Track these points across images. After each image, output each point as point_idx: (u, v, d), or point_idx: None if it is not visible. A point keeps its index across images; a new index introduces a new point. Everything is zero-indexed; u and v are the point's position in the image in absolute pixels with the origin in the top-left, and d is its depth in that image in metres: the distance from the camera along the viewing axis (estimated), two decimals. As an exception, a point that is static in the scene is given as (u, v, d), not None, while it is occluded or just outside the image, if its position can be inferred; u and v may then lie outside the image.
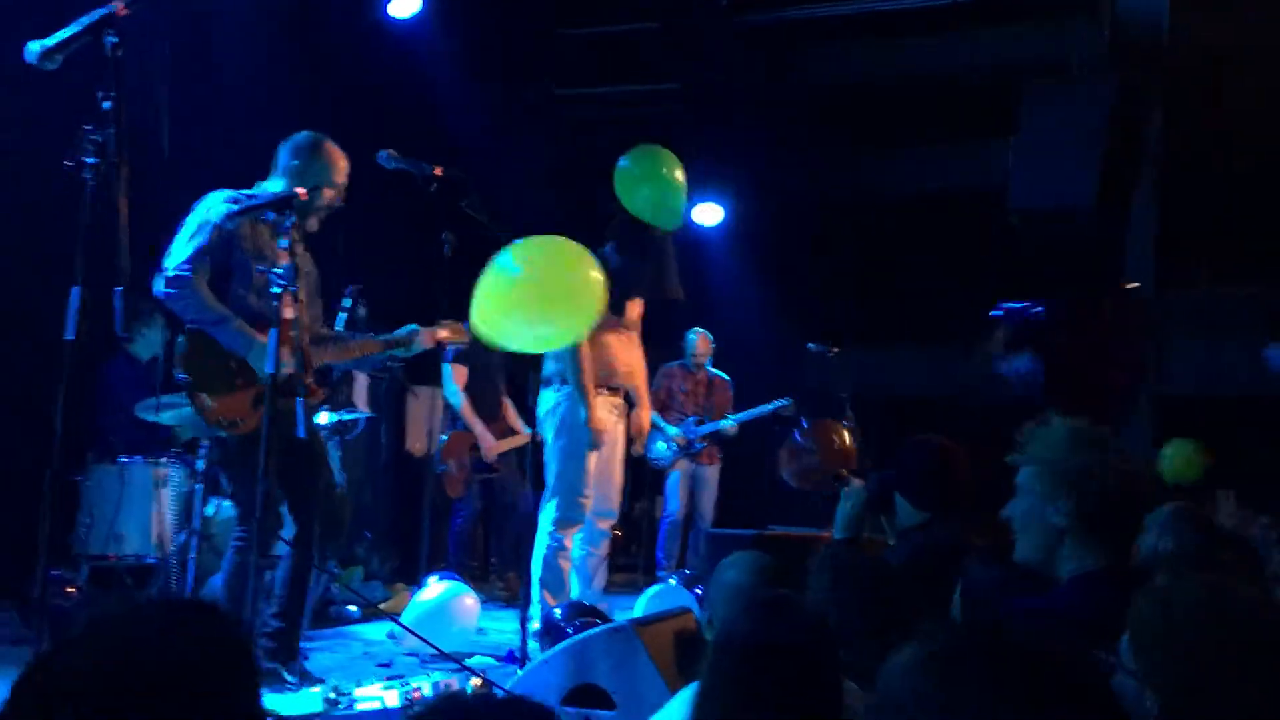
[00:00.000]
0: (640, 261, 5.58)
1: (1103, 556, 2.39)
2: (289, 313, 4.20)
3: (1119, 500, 2.40)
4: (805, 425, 7.53)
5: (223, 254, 4.10)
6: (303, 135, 4.33)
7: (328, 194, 4.30)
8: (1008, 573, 2.60)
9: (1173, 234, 8.96)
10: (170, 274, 4.04)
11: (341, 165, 4.33)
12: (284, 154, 4.31)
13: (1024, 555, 2.50)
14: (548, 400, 5.51)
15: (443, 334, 4.72)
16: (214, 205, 4.09)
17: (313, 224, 4.35)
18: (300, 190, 3.69)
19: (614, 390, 5.67)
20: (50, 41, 2.70)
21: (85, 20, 2.68)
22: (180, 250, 4.07)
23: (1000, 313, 7.69)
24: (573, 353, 5.44)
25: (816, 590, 2.56)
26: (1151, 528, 3.25)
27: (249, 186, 4.26)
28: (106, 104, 2.65)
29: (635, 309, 5.78)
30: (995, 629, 1.24)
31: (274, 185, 4.26)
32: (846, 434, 7.40)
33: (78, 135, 2.66)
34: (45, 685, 1.20)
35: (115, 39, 2.66)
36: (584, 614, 4.67)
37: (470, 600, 5.51)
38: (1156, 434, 8.84)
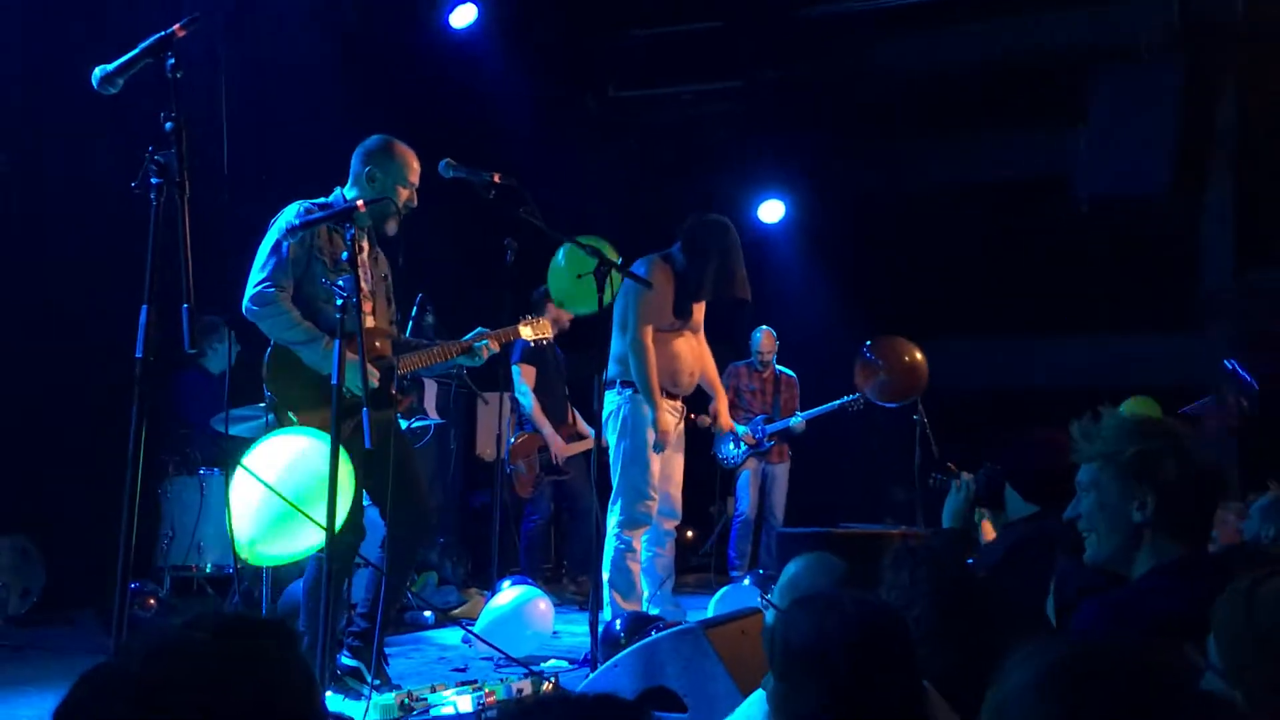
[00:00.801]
0: (704, 265, 5.57)
1: (1182, 546, 2.31)
2: (369, 322, 4.27)
3: (1195, 487, 2.31)
4: (870, 344, 7.46)
5: (304, 265, 4.15)
6: (373, 139, 4.37)
7: (403, 194, 4.32)
8: (1085, 568, 2.55)
9: (1252, 215, 8.73)
10: (253, 290, 4.09)
11: (414, 165, 4.36)
12: (356, 159, 4.35)
13: (1095, 556, 2.42)
14: (610, 403, 5.53)
15: (525, 331, 4.76)
16: (285, 219, 4.14)
17: (391, 227, 4.38)
18: (360, 203, 3.73)
19: (674, 395, 5.67)
20: (110, 66, 2.76)
21: (144, 44, 2.73)
22: (260, 267, 4.13)
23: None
24: (639, 357, 5.46)
25: (893, 586, 2.52)
26: (1254, 514, 3.19)
27: (324, 195, 4.30)
28: (168, 125, 2.69)
29: (700, 311, 5.78)
30: (1107, 648, 1.22)
31: (350, 191, 4.31)
32: (916, 351, 7.29)
33: (143, 158, 2.71)
34: (97, 692, 1.21)
35: (173, 60, 2.70)
36: (645, 624, 4.68)
37: (544, 604, 5.54)
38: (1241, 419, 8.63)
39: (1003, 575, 2.91)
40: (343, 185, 4.35)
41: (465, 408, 8.48)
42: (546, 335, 4.89)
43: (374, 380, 4.15)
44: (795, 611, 2.09)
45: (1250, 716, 1.64)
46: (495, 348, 4.63)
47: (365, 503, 4.46)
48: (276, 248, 4.11)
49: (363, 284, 4.28)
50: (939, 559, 2.64)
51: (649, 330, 5.51)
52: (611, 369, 5.53)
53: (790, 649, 1.99)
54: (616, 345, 5.55)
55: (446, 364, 4.62)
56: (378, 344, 4.29)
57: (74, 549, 5.68)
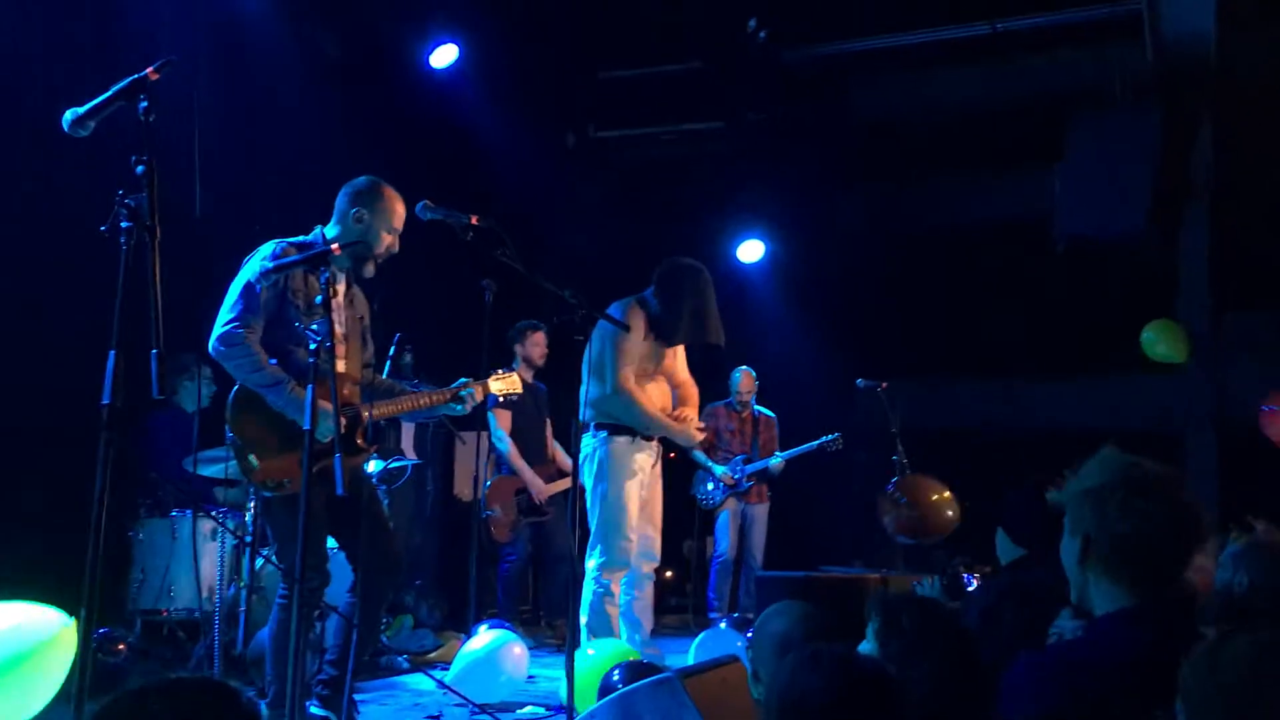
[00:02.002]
0: (678, 309, 5.57)
1: (1130, 594, 2.19)
2: (341, 366, 4.21)
3: (1143, 531, 2.17)
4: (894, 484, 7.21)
5: (275, 307, 4.09)
6: (362, 180, 4.32)
7: (386, 239, 4.28)
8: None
9: (1228, 258, 8.78)
10: (220, 330, 4.03)
11: (400, 211, 4.31)
12: (343, 198, 4.30)
13: (1072, 597, 2.35)
14: (586, 446, 5.50)
15: (495, 386, 4.70)
16: (259, 258, 4.10)
17: (369, 270, 4.33)
18: (335, 246, 3.69)
19: (649, 437, 5.65)
20: (82, 109, 2.73)
21: (117, 87, 2.71)
22: (229, 306, 4.07)
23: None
24: (629, 400, 5.46)
25: (877, 638, 2.47)
26: (1225, 562, 3.14)
27: (303, 234, 4.26)
28: (140, 168, 2.66)
29: (674, 356, 5.76)
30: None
31: (331, 230, 4.27)
32: (944, 491, 6.98)
33: (113, 200, 2.68)
34: None
35: (146, 103, 2.68)
36: (644, 673, 4.60)
37: (519, 649, 5.47)
38: (1221, 461, 8.65)
39: (988, 627, 2.87)
40: (324, 224, 4.31)
41: (443, 448, 8.42)
42: (516, 391, 4.82)
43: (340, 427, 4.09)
44: (771, 664, 2.06)
45: None
46: (479, 397, 4.59)
47: (332, 547, 4.40)
48: (248, 288, 4.05)
49: (336, 327, 4.24)
50: (941, 614, 2.60)
51: (630, 373, 5.50)
52: (585, 412, 5.51)
53: (773, 704, 1.96)
54: (592, 390, 5.53)
55: (429, 412, 4.56)
56: (345, 391, 4.22)
57: (43, 595, 5.57)
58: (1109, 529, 2.19)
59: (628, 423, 5.56)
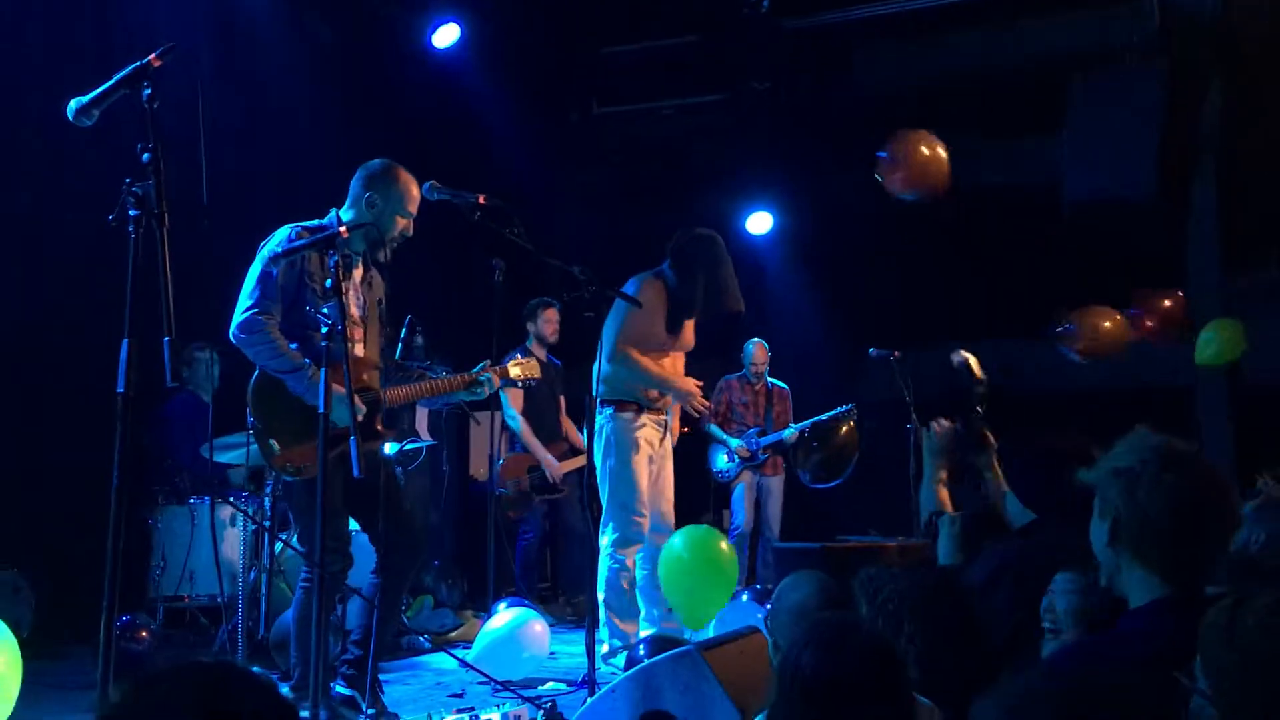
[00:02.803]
0: (694, 280, 5.54)
1: (1166, 583, 2.13)
2: (359, 350, 4.22)
3: (1176, 516, 2.10)
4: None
5: (293, 291, 4.08)
6: (376, 163, 4.32)
7: (400, 223, 4.28)
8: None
9: (1236, 217, 8.74)
10: (240, 317, 4.04)
11: (415, 194, 4.30)
12: (357, 182, 4.30)
13: (1103, 581, 2.28)
14: (596, 423, 5.50)
15: (514, 371, 4.70)
16: (274, 243, 4.10)
17: (385, 254, 4.34)
18: (342, 229, 3.69)
19: (659, 410, 5.64)
20: (86, 98, 2.73)
21: (120, 75, 2.70)
22: (248, 293, 4.08)
23: None
24: (628, 365, 5.44)
25: (872, 612, 2.48)
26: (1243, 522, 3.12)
27: (319, 218, 4.25)
28: (145, 156, 2.66)
29: (690, 330, 5.74)
30: (1073, 687, 1.16)
31: (346, 214, 4.26)
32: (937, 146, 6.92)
33: (120, 189, 2.68)
34: None
35: (150, 90, 2.67)
36: (667, 646, 4.62)
37: (539, 626, 5.50)
38: (1235, 425, 8.63)
39: (988, 597, 2.85)
40: (339, 207, 4.32)
41: (458, 429, 8.45)
42: (535, 376, 4.81)
43: (360, 412, 4.10)
44: (789, 635, 2.06)
45: None
46: (497, 383, 4.59)
47: (354, 529, 4.43)
48: (265, 274, 4.06)
49: (353, 310, 4.25)
50: (916, 574, 2.60)
51: (628, 341, 5.46)
52: (597, 389, 5.51)
53: (784, 677, 1.96)
54: (603, 366, 5.53)
55: (447, 397, 4.57)
56: (364, 376, 4.23)
57: (64, 583, 5.63)
58: (1139, 509, 2.13)
59: (631, 394, 5.52)
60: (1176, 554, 2.12)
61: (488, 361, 4.59)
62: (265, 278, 4.06)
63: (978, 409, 3.79)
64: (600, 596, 5.43)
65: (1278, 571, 2.76)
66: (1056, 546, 2.92)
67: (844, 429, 7.92)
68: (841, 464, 7.71)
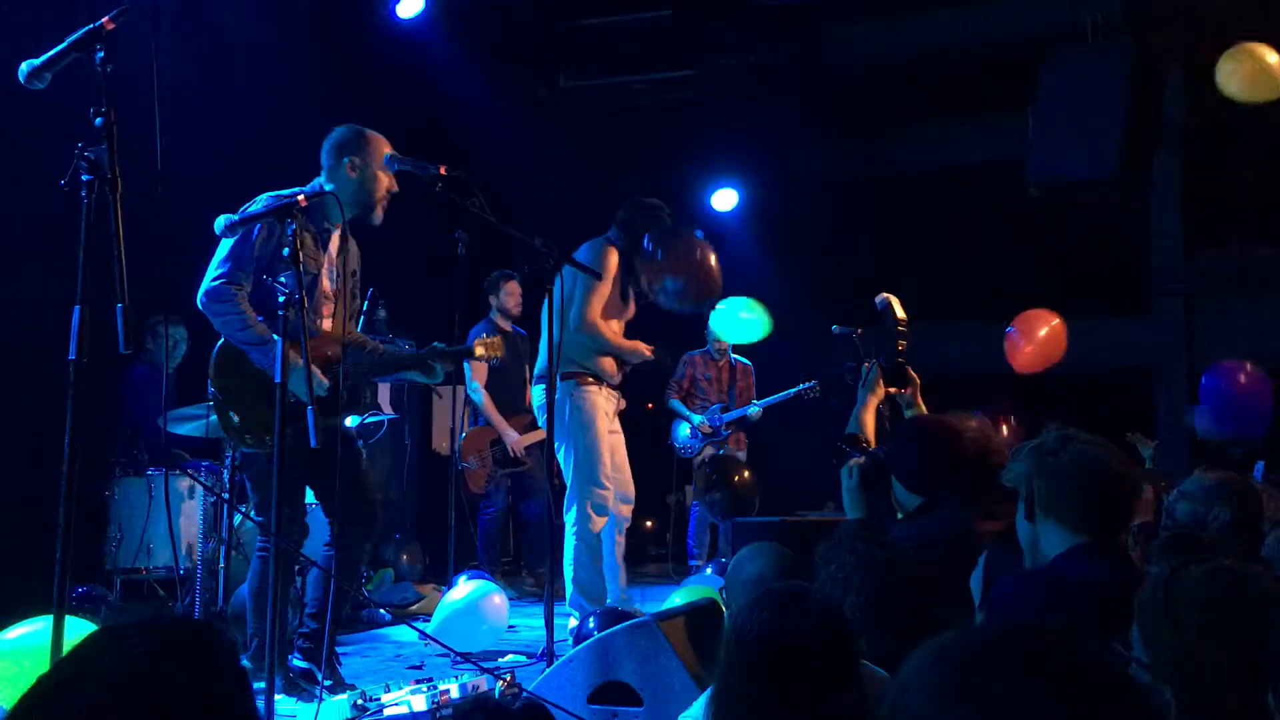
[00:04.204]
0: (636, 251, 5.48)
1: (1081, 532, 2.39)
2: (327, 325, 4.19)
3: (1080, 469, 2.38)
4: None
5: (268, 262, 4.02)
6: (343, 129, 4.28)
7: (384, 180, 4.26)
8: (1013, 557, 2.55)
9: (1200, 197, 8.82)
10: (209, 285, 4.01)
11: (387, 150, 4.28)
12: (330, 152, 4.26)
13: (1026, 559, 2.51)
14: (539, 396, 5.46)
15: (479, 351, 4.68)
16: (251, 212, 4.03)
17: (378, 216, 4.32)
18: (301, 198, 3.65)
19: (615, 386, 5.63)
20: (38, 61, 2.68)
21: (72, 37, 2.66)
22: (219, 262, 4.03)
23: None
24: (597, 334, 5.41)
25: (825, 580, 2.51)
26: (1194, 495, 3.18)
27: (301, 186, 4.18)
28: (98, 120, 2.62)
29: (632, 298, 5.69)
30: (1007, 629, 1.17)
31: (329, 184, 4.23)
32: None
33: (73, 154, 2.64)
34: (40, 699, 1.21)
35: (103, 53, 2.63)
36: (619, 619, 4.64)
37: (499, 598, 5.50)
38: (1194, 400, 8.73)
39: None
40: (301, 174, 4.27)
41: (420, 402, 8.41)
42: (498, 354, 4.80)
43: (323, 387, 4.08)
44: (745, 603, 2.07)
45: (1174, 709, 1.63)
46: (449, 367, 4.57)
47: (310, 502, 4.41)
48: (237, 244, 4.00)
49: (325, 283, 4.22)
50: (868, 548, 2.64)
51: (597, 311, 5.43)
52: (555, 362, 5.46)
53: (729, 644, 1.97)
54: (569, 337, 5.50)
55: (397, 375, 4.55)
56: (329, 351, 4.21)
57: (17, 556, 5.56)
58: (1048, 475, 2.40)
59: (592, 366, 5.49)
60: (1086, 509, 2.38)
61: (440, 345, 4.55)
62: (237, 248, 4.01)
63: (900, 345, 4.12)
64: (569, 575, 5.42)
65: (1224, 550, 2.80)
66: (963, 522, 2.97)
67: (745, 473, 7.62)
68: (739, 506, 7.26)
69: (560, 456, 5.50)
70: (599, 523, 5.52)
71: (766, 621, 1.90)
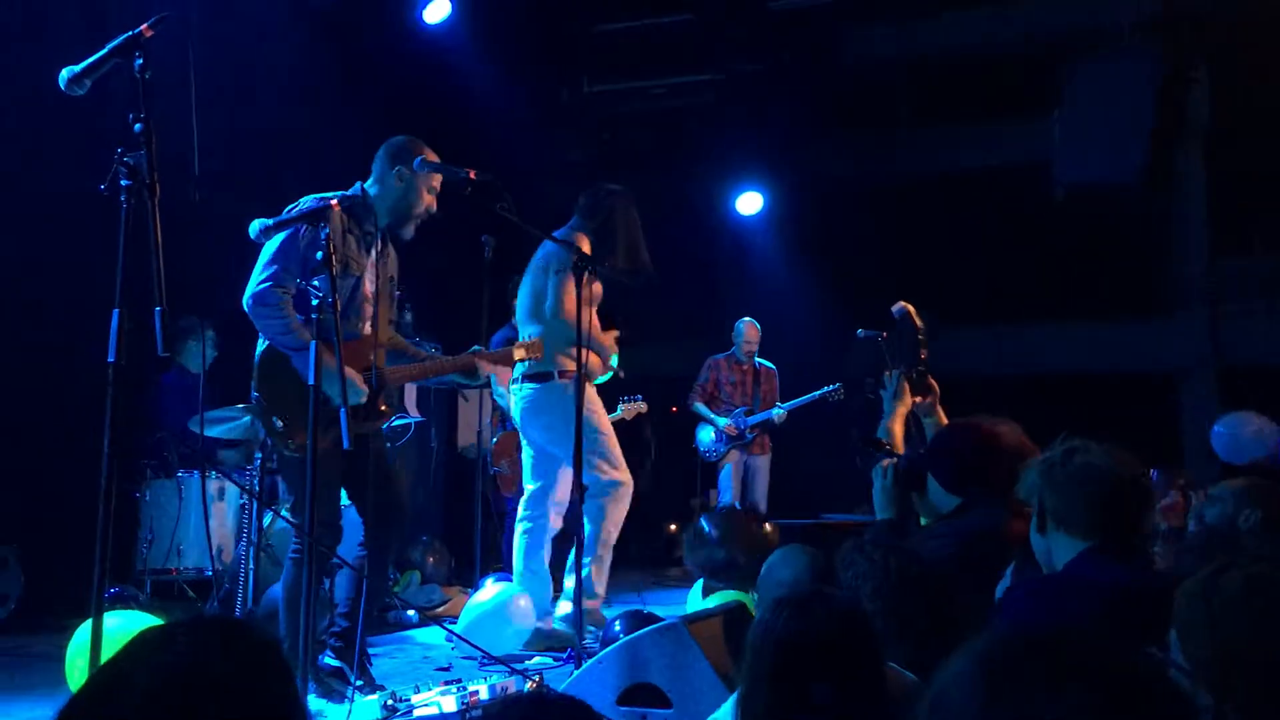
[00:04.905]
0: (614, 235, 5.39)
1: (1093, 538, 2.40)
2: (366, 329, 4.23)
3: (1088, 479, 2.40)
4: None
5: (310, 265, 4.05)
6: (400, 139, 4.32)
7: (426, 199, 4.31)
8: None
9: (1225, 201, 8.79)
10: (255, 289, 4.03)
11: (437, 180, 4.33)
12: (383, 158, 4.31)
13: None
14: (541, 395, 5.35)
15: (519, 355, 4.69)
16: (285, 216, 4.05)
17: (409, 230, 4.36)
18: (334, 201, 3.69)
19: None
20: (78, 67, 2.72)
21: (111, 44, 2.70)
22: (264, 265, 4.06)
23: None
24: (571, 323, 5.04)
25: (845, 585, 2.52)
26: (1224, 498, 3.18)
27: (343, 189, 4.23)
28: (137, 126, 2.66)
29: (597, 285, 5.39)
30: (1046, 633, 1.18)
31: (373, 188, 4.29)
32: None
33: (112, 159, 2.68)
34: (96, 697, 1.24)
35: (141, 60, 2.67)
36: (643, 622, 4.65)
37: (524, 601, 5.51)
38: (1222, 405, 8.69)
39: (957, 570, 2.87)
40: (363, 180, 4.32)
41: (446, 405, 8.45)
42: (538, 355, 4.80)
43: (363, 394, 4.10)
44: (770, 605, 2.08)
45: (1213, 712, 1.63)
46: (489, 370, 4.58)
47: (344, 503, 4.44)
48: (283, 247, 4.02)
49: (367, 287, 4.26)
50: (882, 556, 2.64)
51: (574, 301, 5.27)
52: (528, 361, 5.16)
53: (753, 645, 1.98)
54: (532, 330, 5.30)
55: (440, 379, 4.58)
56: (371, 356, 4.24)
57: (52, 555, 5.64)
58: (1058, 487, 2.42)
59: (568, 358, 5.25)
60: (1093, 517, 2.39)
61: (479, 348, 4.59)
62: (283, 251, 4.03)
63: (922, 354, 4.07)
64: (587, 572, 5.41)
65: (1259, 554, 2.79)
66: (1001, 523, 2.97)
67: (767, 528, 5.75)
68: (738, 571, 4.95)
69: (531, 455, 5.42)
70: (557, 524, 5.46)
71: (788, 622, 1.91)
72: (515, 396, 5.50)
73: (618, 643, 3.64)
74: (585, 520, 5.40)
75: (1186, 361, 9.08)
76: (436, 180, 4.32)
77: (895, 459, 3.48)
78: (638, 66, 9.75)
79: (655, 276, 5.65)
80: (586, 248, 5.19)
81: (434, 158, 4.32)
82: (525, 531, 5.48)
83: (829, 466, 8.53)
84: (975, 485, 3.23)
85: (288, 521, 3.83)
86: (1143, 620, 1.95)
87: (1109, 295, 8.88)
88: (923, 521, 3.47)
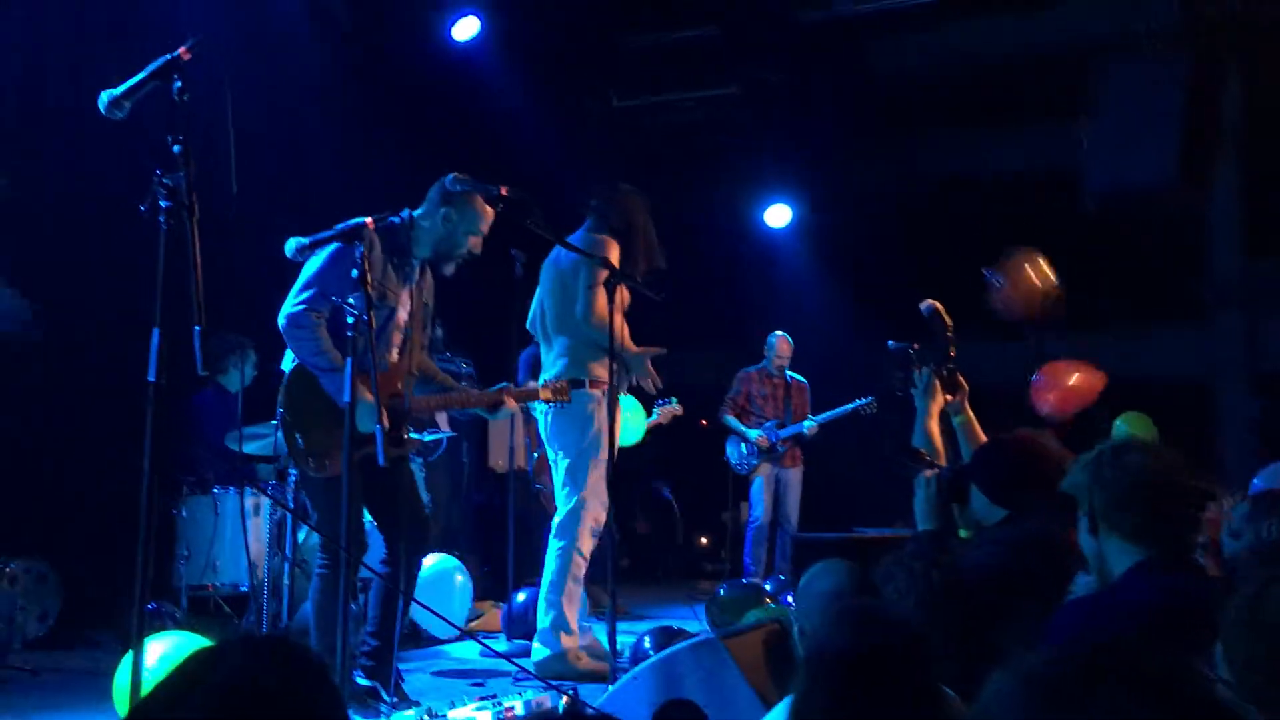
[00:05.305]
0: (634, 238, 5.27)
1: (1145, 546, 2.34)
2: (394, 355, 4.26)
3: (1138, 480, 2.34)
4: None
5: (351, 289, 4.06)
6: (462, 183, 4.33)
7: (472, 241, 4.38)
8: None
9: (1259, 206, 8.70)
10: (291, 309, 4.09)
11: (488, 214, 4.38)
12: (437, 192, 4.35)
13: (1092, 574, 2.48)
14: (572, 408, 5.08)
15: (545, 396, 4.70)
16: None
17: (449, 268, 4.43)
18: (369, 221, 3.72)
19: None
20: (118, 90, 2.76)
21: (150, 67, 2.73)
22: (302, 285, 4.12)
23: None
24: (601, 326, 4.93)
25: (889, 600, 2.50)
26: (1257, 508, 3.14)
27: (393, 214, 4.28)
28: (176, 148, 2.70)
29: (624, 292, 5.15)
30: (1093, 651, 1.17)
31: (425, 220, 4.34)
32: (1041, 264, 6.59)
33: (151, 181, 2.71)
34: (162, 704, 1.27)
35: (180, 83, 2.71)
36: (673, 638, 4.65)
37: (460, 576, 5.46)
38: (1262, 410, 8.60)
39: (1006, 580, 2.84)
40: (413, 208, 4.37)
41: (478, 420, 8.46)
42: (566, 399, 4.73)
43: (374, 425, 4.11)
44: (817, 621, 2.07)
45: None
46: (513, 407, 4.57)
47: (367, 520, 4.47)
48: (320, 270, 4.08)
49: (401, 315, 4.30)
50: (924, 569, 2.62)
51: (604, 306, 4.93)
52: (557, 367, 5.14)
53: (812, 660, 1.97)
54: (564, 340, 5.20)
55: (464, 411, 4.61)
56: (399, 384, 4.28)
57: (90, 571, 5.69)
58: (1107, 486, 2.36)
59: (597, 360, 5.11)
60: (1148, 521, 2.34)
61: (507, 385, 4.59)
62: (320, 273, 4.08)
63: (951, 352, 3.95)
64: (553, 597, 5.24)
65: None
66: (1052, 535, 2.93)
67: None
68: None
69: (564, 467, 5.23)
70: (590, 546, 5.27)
71: (849, 638, 1.90)
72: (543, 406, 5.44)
73: (651, 659, 3.64)
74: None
75: (1221, 368, 8.99)
76: (485, 225, 4.36)
77: (937, 470, 3.45)
78: (665, 80, 9.77)
79: (666, 273, 5.47)
80: (615, 255, 5.08)
81: (489, 218, 4.36)
82: (559, 552, 5.29)
83: (861, 479, 8.50)
84: (1023, 495, 3.21)
85: (320, 533, 3.86)
86: (1191, 633, 1.92)
87: (1141, 301, 8.81)
88: (962, 534, 3.44)
